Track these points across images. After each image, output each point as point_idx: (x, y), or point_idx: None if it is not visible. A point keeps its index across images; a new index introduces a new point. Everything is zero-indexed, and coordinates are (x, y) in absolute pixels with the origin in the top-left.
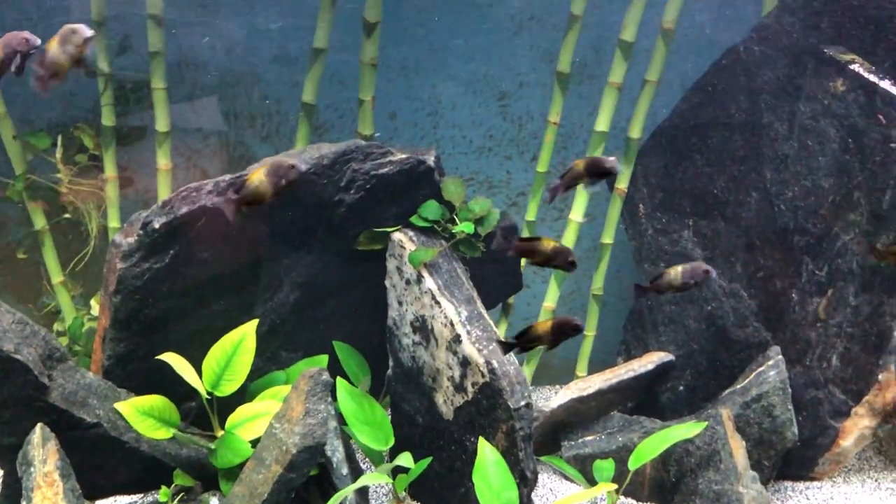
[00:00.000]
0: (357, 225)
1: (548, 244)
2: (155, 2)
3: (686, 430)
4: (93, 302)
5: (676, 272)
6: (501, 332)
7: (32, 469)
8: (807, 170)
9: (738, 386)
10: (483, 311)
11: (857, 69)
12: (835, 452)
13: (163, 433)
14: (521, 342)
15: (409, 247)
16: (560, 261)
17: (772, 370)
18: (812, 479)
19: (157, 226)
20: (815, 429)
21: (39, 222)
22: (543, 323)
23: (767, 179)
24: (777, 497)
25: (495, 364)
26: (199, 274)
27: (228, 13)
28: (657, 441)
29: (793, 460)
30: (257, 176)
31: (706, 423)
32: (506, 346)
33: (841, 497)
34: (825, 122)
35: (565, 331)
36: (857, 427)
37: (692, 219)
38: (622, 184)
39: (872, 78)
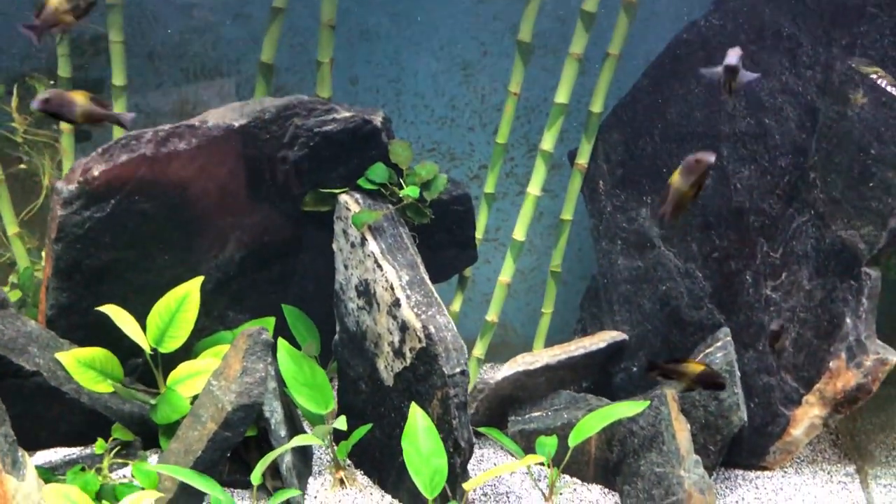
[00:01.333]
0: (303, 185)
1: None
2: None
3: (627, 408)
4: (43, 253)
5: None
6: (457, 305)
7: None
8: (763, 148)
9: None
10: (426, 276)
11: (879, 82)
12: (785, 441)
13: (104, 386)
14: (665, 369)
15: (355, 209)
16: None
17: (719, 352)
18: (763, 468)
19: (96, 173)
20: (766, 416)
21: None
22: (696, 364)
23: (724, 157)
24: (726, 485)
25: (432, 329)
26: (141, 226)
27: None
28: (597, 418)
29: (744, 448)
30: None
31: (648, 402)
32: (651, 364)
33: (790, 488)
34: (782, 99)
35: (706, 383)
36: (808, 416)
37: (650, 196)
38: (582, 159)
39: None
